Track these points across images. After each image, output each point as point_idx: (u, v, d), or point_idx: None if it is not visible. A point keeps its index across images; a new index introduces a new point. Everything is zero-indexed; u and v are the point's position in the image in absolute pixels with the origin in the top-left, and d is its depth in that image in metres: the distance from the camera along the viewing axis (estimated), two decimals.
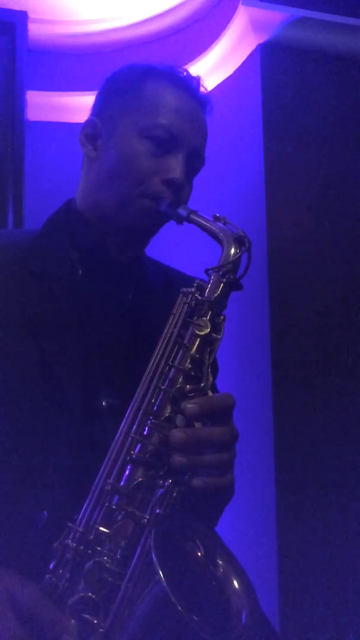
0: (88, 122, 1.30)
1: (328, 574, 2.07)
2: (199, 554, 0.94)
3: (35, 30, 2.55)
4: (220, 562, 0.94)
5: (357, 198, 2.35)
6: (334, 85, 2.38)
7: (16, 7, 2.51)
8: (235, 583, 0.92)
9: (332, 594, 2.06)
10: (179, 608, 0.80)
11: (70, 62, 2.66)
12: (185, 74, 1.29)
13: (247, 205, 2.32)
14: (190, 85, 1.28)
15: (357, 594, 2.07)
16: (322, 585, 2.05)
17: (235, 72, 2.45)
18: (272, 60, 2.32)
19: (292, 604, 2.02)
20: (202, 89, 1.30)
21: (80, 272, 1.24)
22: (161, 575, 0.82)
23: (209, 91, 2.44)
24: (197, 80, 1.30)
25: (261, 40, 2.31)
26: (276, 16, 2.27)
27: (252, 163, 2.31)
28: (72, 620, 0.92)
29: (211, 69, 2.48)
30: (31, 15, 2.52)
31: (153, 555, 0.84)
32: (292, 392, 2.16)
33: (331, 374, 2.21)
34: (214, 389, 1.31)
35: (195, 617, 0.83)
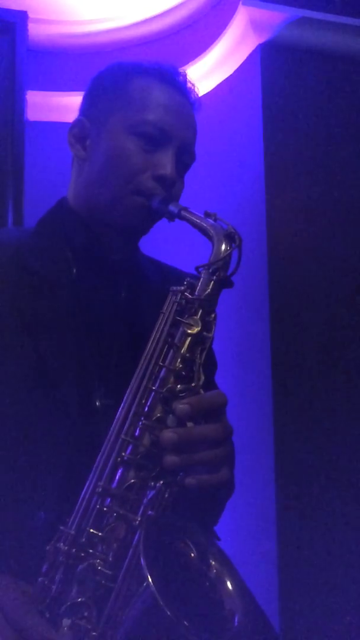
0: (76, 123, 1.30)
1: (328, 573, 2.07)
2: (192, 555, 0.93)
3: (35, 30, 2.54)
4: (213, 563, 0.93)
5: (357, 197, 2.35)
6: (334, 85, 2.38)
7: (16, 7, 2.51)
8: (229, 584, 0.91)
9: (332, 594, 2.05)
10: (168, 613, 0.80)
11: (70, 62, 2.65)
12: (171, 70, 1.29)
13: (247, 205, 2.32)
14: (177, 81, 1.27)
15: (358, 594, 2.07)
16: (322, 585, 2.05)
17: (235, 72, 2.45)
18: (272, 60, 2.32)
19: (292, 604, 2.02)
20: (189, 85, 1.30)
21: (74, 270, 1.23)
22: (149, 579, 0.82)
23: (209, 91, 2.45)
24: (184, 76, 1.29)
25: (261, 40, 2.31)
26: (276, 16, 2.27)
27: (252, 163, 2.31)
28: (65, 628, 0.91)
29: (211, 69, 2.48)
30: (31, 15, 2.52)
31: (142, 560, 0.84)
32: (292, 391, 2.16)
33: (331, 374, 2.21)
34: (212, 385, 1.30)
35: (185, 622, 0.82)
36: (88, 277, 1.25)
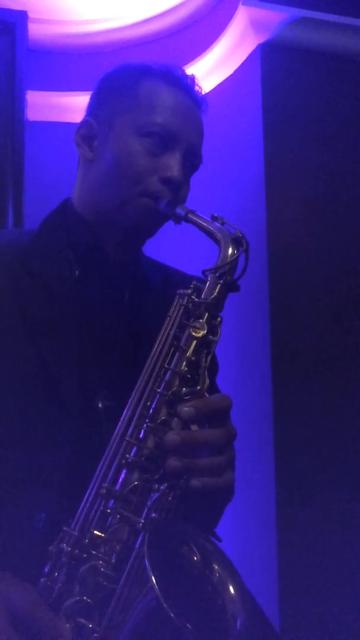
0: (83, 123, 1.29)
1: (328, 573, 2.07)
2: (195, 558, 0.93)
3: (35, 30, 2.54)
4: (216, 566, 0.93)
5: (357, 198, 2.35)
6: (334, 85, 2.38)
7: (16, 7, 2.51)
8: (231, 588, 0.91)
9: (332, 594, 2.06)
10: (172, 615, 0.79)
11: (70, 62, 2.66)
12: (180, 72, 1.28)
13: (247, 205, 2.32)
14: (185, 83, 1.27)
15: (358, 594, 2.07)
16: (322, 585, 2.05)
17: (235, 72, 2.45)
18: (272, 60, 2.32)
19: (292, 604, 2.02)
20: (197, 88, 1.29)
21: (77, 272, 1.23)
22: (154, 581, 0.81)
23: (209, 91, 2.45)
24: (192, 78, 1.29)
25: (261, 40, 2.31)
26: (276, 16, 2.27)
27: (252, 163, 2.31)
28: (67, 625, 0.91)
29: (211, 69, 2.48)
30: (31, 15, 2.52)
31: (146, 562, 0.84)
32: (292, 391, 2.16)
33: (331, 374, 2.21)
34: (214, 387, 1.30)
35: (188, 624, 0.82)
36: (90, 279, 1.24)
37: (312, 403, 2.17)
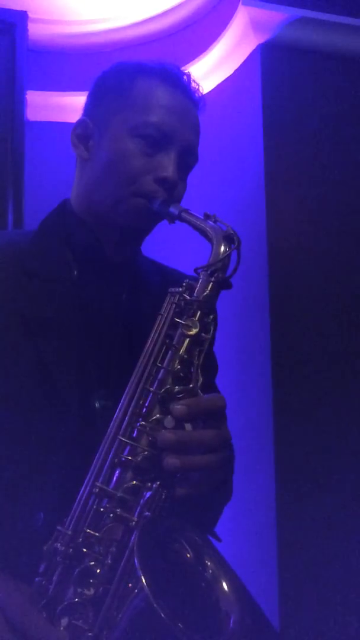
0: (79, 123, 1.29)
1: (328, 573, 2.07)
2: (188, 555, 0.93)
3: (35, 30, 2.55)
4: (209, 563, 0.93)
5: (357, 198, 2.35)
6: (334, 85, 2.38)
7: (16, 7, 2.51)
8: (225, 585, 0.91)
9: (332, 594, 2.06)
10: (162, 615, 0.79)
11: (70, 62, 2.66)
12: (175, 70, 1.27)
13: (247, 205, 2.32)
14: (181, 82, 1.26)
15: (358, 594, 2.07)
16: (322, 585, 2.05)
17: (235, 72, 2.45)
18: (272, 60, 2.32)
19: (292, 604, 2.02)
20: (193, 86, 1.28)
21: (75, 272, 1.23)
22: (144, 581, 0.81)
23: (209, 91, 2.45)
24: (188, 76, 1.28)
25: (261, 40, 2.31)
26: (276, 16, 2.27)
27: (252, 163, 2.32)
28: (62, 628, 0.91)
29: (211, 69, 2.48)
30: (31, 15, 2.52)
31: (135, 561, 0.83)
32: (292, 391, 2.16)
33: (331, 373, 2.21)
34: (213, 387, 1.30)
35: (180, 624, 0.81)
36: (89, 278, 1.24)
37: (312, 403, 2.17)
